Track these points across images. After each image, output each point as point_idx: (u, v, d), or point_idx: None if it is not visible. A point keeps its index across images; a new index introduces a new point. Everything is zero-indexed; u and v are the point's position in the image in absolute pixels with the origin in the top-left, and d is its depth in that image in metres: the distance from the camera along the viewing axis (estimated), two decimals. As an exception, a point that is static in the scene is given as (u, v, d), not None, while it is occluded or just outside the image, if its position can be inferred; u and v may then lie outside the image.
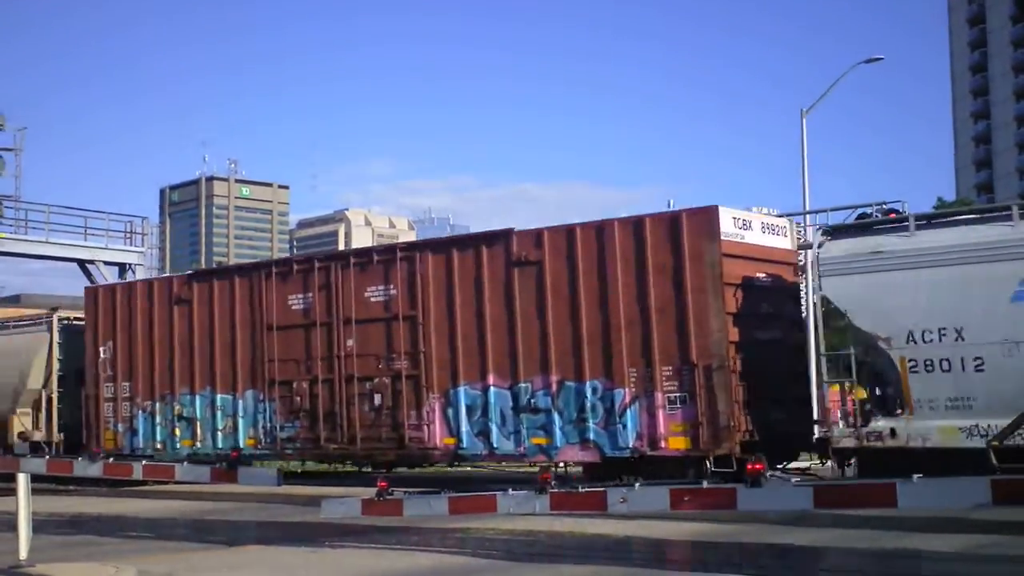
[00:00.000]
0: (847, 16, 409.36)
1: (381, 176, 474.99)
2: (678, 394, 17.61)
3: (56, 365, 26.25)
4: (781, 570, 11.39)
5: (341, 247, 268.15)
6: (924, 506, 11.86)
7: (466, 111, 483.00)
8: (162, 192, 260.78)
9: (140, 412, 24.31)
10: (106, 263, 35.47)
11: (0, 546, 12.48)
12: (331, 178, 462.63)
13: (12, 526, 12.01)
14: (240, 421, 22.64)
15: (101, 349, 25.10)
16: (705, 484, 14.60)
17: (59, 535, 15.22)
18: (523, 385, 19.11)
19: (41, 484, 19.65)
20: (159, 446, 23.83)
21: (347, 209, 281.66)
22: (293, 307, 22.15)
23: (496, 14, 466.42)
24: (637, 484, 13.72)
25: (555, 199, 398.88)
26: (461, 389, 19.83)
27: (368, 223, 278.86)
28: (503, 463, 21.82)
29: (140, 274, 36.40)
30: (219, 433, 22.87)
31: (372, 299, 21.05)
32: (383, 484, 14.66)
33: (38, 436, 26.35)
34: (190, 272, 25.00)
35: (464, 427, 19.72)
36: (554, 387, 18.78)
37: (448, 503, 14.11)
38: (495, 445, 19.42)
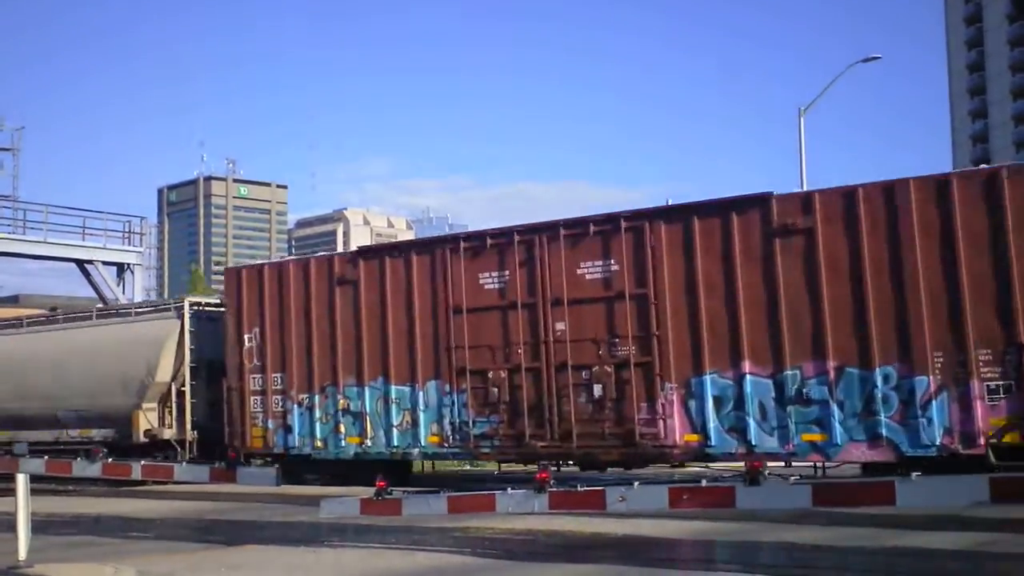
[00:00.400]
0: (845, 15, 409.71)
1: (378, 176, 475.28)
2: (1001, 382, 15.43)
3: (188, 355, 24.05)
4: (780, 568, 11.39)
5: (339, 247, 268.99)
6: (922, 504, 11.89)
7: (463, 110, 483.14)
8: (160, 192, 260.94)
9: (295, 407, 21.90)
10: (104, 263, 35.54)
11: (-1, 546, 12.48)
12: (329, 177, 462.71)
13: (11, 526, 11.99)
14: (421, 416, 20.32)
15: (246, 337, 22.63)
16: (704, 483, 14.63)
17: (58, 535, 15.20)
18: (790, 373, 16.89)
19: (40, 484, 19.63)
20: (319, 444, 21.53)
21: (345, 209, 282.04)
22: (486, 286, 19.81)
23: (493, 12, 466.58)
24: (636, 483, 13.72)
25: (554, 198, 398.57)
26: (707, 378, 17.61)
27: (367, 223, 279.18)
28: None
29: (138, 274, 36.45)
30: (394, 430, 20.62)
31: (587, 276, 18.78)
32: (381, 484, 14.70)
33: (168, 434, 24.16)
34: (356, 249, 22.23)
35: (711, 422, 17.51)
36: (831, 374, 16.55)
37: (447, 502, 14.15)
38: (753, 442, 17.09)
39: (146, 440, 24.18)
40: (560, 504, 13.23)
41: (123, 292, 35.82)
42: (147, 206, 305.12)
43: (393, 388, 20.64)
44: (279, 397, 22.14)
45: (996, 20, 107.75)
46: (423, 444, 20.19)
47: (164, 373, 24.14)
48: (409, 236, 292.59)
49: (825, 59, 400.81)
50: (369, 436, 20.81)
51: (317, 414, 21.58)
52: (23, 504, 11.79)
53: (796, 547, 12.27)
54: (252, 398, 22.52)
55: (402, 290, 20.69)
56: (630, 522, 13.99)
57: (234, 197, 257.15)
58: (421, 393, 20.32)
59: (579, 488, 15.30)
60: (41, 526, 14.32)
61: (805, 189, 20.35)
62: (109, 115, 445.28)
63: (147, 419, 24.28)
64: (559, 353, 18.86)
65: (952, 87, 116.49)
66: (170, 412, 24.25)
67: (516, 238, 19.46)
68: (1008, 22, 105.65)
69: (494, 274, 19.76)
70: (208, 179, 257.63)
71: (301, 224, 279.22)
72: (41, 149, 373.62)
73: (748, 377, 17.24)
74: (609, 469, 20.52)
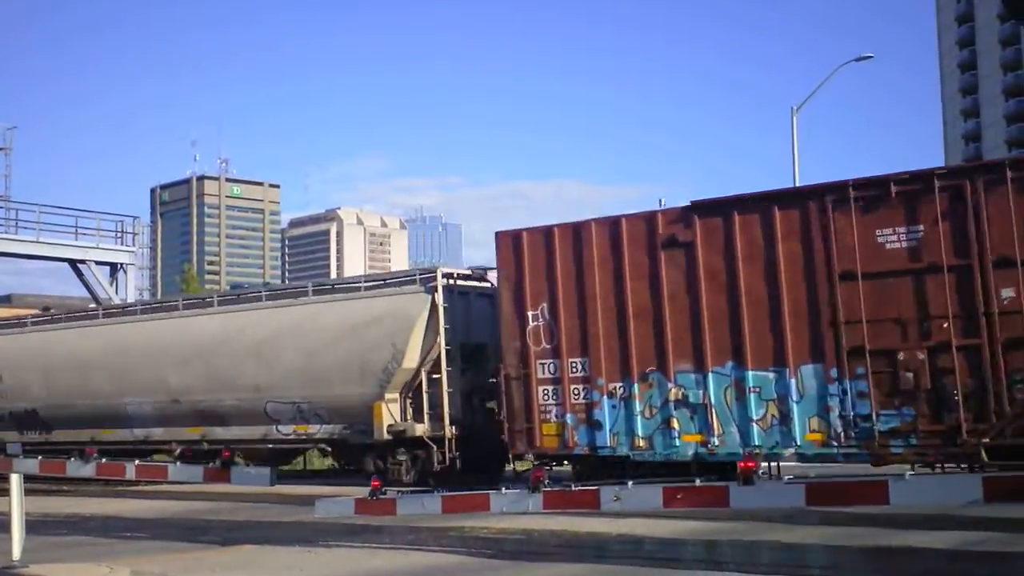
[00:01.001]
0: (838, 13, 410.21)
1: (372, 175, 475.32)
2: None
3: (443, 337, 20.43)
4: (775, 567, 11.45)
5: (333, 247, 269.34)
6: (916, 503, 11.91)
7: (456, 110, 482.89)
8: (153, 191, 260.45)
9: (605, 398, 18.00)
10: (97, 263, 35.49)
11: (-6, 547, 12.47)
12: (322, 177, 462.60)
13: (5, 526, 12.00)
14: (794, 408, 16.49)
15: (530, 314, 18.73)
16: (697, 482, 14.65)
17: (53, 535, 15.21)
18: None
19: (34, 484, 19.62)
20: (642, 443, 17.62)
21: (339, 208, 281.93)
22: (888, 245, 16.09)
23: (489, 11, 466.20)
24: (630, 483, 13.74)
25: (548, 197, 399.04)
26: None
27: (360, 222, 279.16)
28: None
29: (131, 274, 36.40)
30: (753, 425, 16.81)
31: None
32: (376, 483, 14.69)
33: (420, 430, 20.54)
34: (689, 204, 17.82)
35: None
36: None
37: (441, 502, 14.13)
38: None
39: (389, 437, 20.74)
40: (554, 504, 13.19)
41: (116, 292, 35.76)
42: (140, 206, 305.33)
43: (750, 374, 16.86)
44: (580, 387, 18.29)
45: (988, 19, 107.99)
46: (799, 443, 16.53)
47: (411, 359, 20.56)
48: (403, 236, 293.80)
49: (819, 58, 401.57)
50: (716, 433, 17.03)
51: (637, 407, 17.72)
52: (17, 504, 11.80)
53: (788, 546, 12.34)
54: (540, 388, 18.61)
55: (759, 253, 16.91)
56: (624, 522, 14.03)
57: (227, 197, 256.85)
58: (792, 380, 16.53)
59: (574, 488, 15.31)
60: (35, 526, 14.32)
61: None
62: (102, 114, 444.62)
63: (390, 412, 20.75)
64: (1008, 327, 15.15)
65: (944, 86, 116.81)
66: (412, 404, 20.89)
67: (937, 184, 15.77)
68: (1000, 21, 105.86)
69: (901, 230, 16.01)
70: (201, 178, 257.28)
71: (294, 224, 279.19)
72: (32, 148, 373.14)
73: None
74: None
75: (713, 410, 17.14)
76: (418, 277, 21.22)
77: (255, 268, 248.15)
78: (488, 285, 21.32)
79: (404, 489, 15.58)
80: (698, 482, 13.59)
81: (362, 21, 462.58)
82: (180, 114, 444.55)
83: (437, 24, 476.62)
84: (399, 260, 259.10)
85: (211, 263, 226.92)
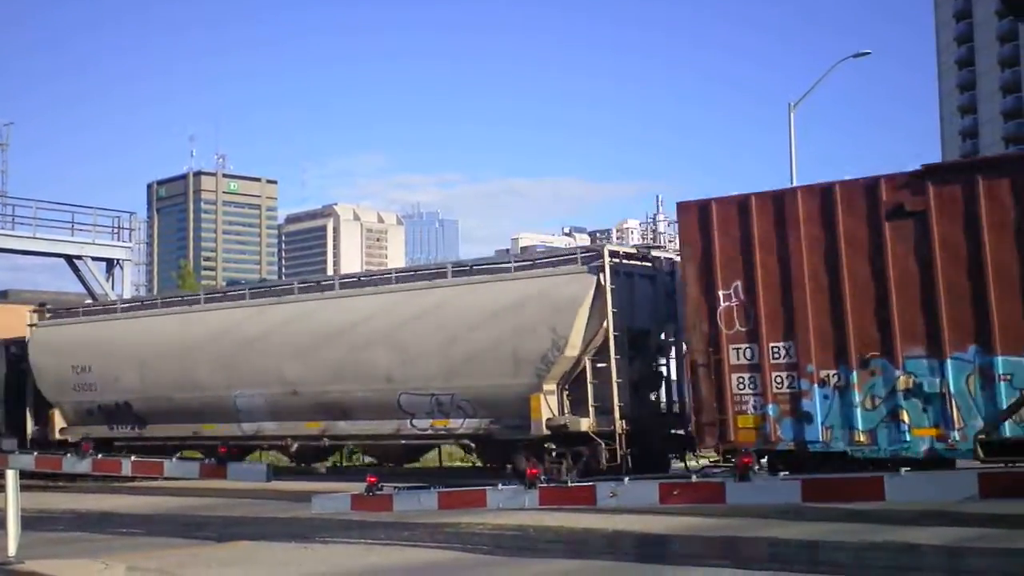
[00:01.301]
0: (836, 9, 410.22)
1: (371, 171, 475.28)
2: None
3: (611, 322, 18.52)
4: (771, 562, 11.45)
5: (329, 242, 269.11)
6: (911, 500, 11.93)
7: (456, 106, 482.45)
8: (149, 187, 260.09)
9: (815, 387, 16.16)
10: (94, 258, 35.40)
11: (-11, 543, 12.46)
12: (320, 173, 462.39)
13: (1, 522, 11.99)
14: None
15: (721, 294, 16.91)
16: (694, 478, 14.64)
17: (49, 531, 15.20)
18: None
19: (30, 480, 19.60)
20: (862, 437, 15.75)
21: (335, 204, 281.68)
22: None
23: (487, 8, 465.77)
24: (626, 479, 13.72)
25: (545, 194, 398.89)
26: None
27: (356, 218, 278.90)
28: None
29: (127, 270, 36.36)
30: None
31: None
32: (372, 479, 14.67)
33: (585, 425, 18.61)
34: (920, 169, 15.90)
35: None
36: None
37: (438, 498, 14.11)
38: None
39: (547, 433, 18.95)
40: (550, 500, 13.18)
41: (112, 288, 35.72)
42: (137, 201, 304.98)
43: (999, 360, 14.92)
44: (784, 374, 16.50)
45: (985, 16, 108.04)
46: None
47: (574, 345, 18.71)
48: (400, 232, 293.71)
49: (817, 55, 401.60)
50: (957, 427, 15.14)
51: (856, 396, 15.91)
52: (13, 500, 11.79)
53: (784, 542, 12.36)
54: (734, 376, 16.82)
55: (1009, 222, 15.04)
56: (621, 518, 14.03)
57: (223, 192, 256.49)
58: None
59: (570, 484, 15.31)
60: (31, 522, 14.31)
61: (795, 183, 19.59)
62: (98, 109, 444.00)
63: (548, 404, 18.95)
64: None
65: (942, 83, 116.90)
66: (569, 396, 19.14)
67: None
68: (998, 17, 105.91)
69: None
70: (198, 174, 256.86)
71: (290, 219, 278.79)
72: (29, 144, 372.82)
73: None
74: None
75: (953, 400, 15.19)
76: (579, 255, 19.35)
77: (251, 264, 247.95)
78: (648, 265, 19.91)
79: (399, 485, 15.56)
80: (694, 478, 13.60)
81: (360, 18, 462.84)
82: (177, 110, 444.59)
83: (436, 21, 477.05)
84: (396, 256, 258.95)
85: (207, 259, 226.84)
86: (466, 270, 20.92)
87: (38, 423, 26.57)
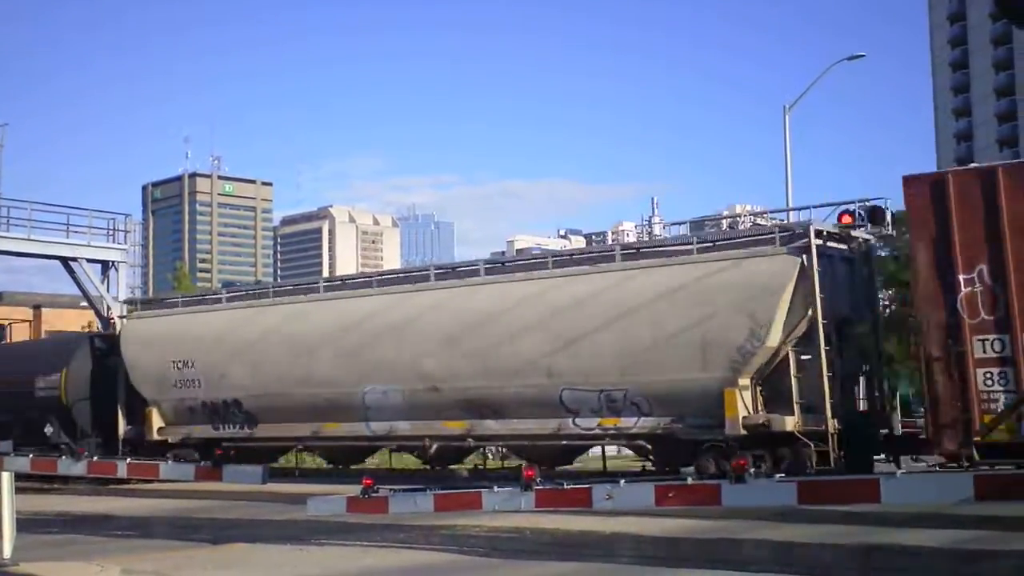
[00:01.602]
0: (832, 11, 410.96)
1: (367, 173, 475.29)
2: None
3: (820, 309, 16.86)
4: (767, 564, 11.45)
5: (325, 245, 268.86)
6: (907, 502, 11.94)
7: (452, 107, 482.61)
8: (144, 189, 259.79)
9: None
10: (88, 260, 35.27)
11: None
12: (315, 175, 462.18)
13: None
14: None
15: (961, 279, 15.22)
16: (689, 480, 14.64)
17: (44, 534, 15.15)
18: None
19: (25, 483, 19.54)
20: None
21: (331, 206, 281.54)
22: None
23: (484, 9, 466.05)
24: (622, 481, 13.70)
25: (541, 197, 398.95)
26: None
27: (352, 220, 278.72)
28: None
29: (123, 272, 36.27)
30: None
31: None
32: (368, 482, 14.65)
33: (790, 424, 16.95)
34: None
35: None
36: None
37: (433, 500, 14.10)
38: None
39: (743, 432, 17.18)
40: (546, 502, 13.19)
41: (107, 290, 35.63)
42: (132, 203, 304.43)
43: None
44: None
45: (980, 18, 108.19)
46: None
47: (775, 336, 17.04)
48: (395, 234, 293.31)
49: (811, 58, 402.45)
50: None
51: None
52: (7, 502, 11.75)
53: (779, 544, 12.35)
54: (980, 371, 15.09)
55: None
56: (617, 520, 14.03)
57: (219, 194, 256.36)
58: None
59: (566, 486, 15.31)
60: (26, 524, 14.27)
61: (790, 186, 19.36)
62: (94, 111, 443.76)
63: (743, 401, 17.24)
64: None
65: (936, 85, 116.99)
66: (763, 392, 17.45)
67: None
68: (992, 20, 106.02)
69: None
70: (193, 176, 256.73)
71: (286, 221, 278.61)
72: (24, 146, 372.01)
73: None
74: None
75: None
76: (778, 236, 17.63)
77: (247, 266, 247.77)
78: (844, 247, 18.39)
79: (395, 488, 15.54)
80: (689, 480, 13.60)
81: (357, 19, 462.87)
82: (173, 111, 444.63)
83: (433, 22, 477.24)
84: (391, 258, 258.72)
85: (203, 261, 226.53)
86: (638, 253, 19.31)
87: (132, 423, 24.78)
